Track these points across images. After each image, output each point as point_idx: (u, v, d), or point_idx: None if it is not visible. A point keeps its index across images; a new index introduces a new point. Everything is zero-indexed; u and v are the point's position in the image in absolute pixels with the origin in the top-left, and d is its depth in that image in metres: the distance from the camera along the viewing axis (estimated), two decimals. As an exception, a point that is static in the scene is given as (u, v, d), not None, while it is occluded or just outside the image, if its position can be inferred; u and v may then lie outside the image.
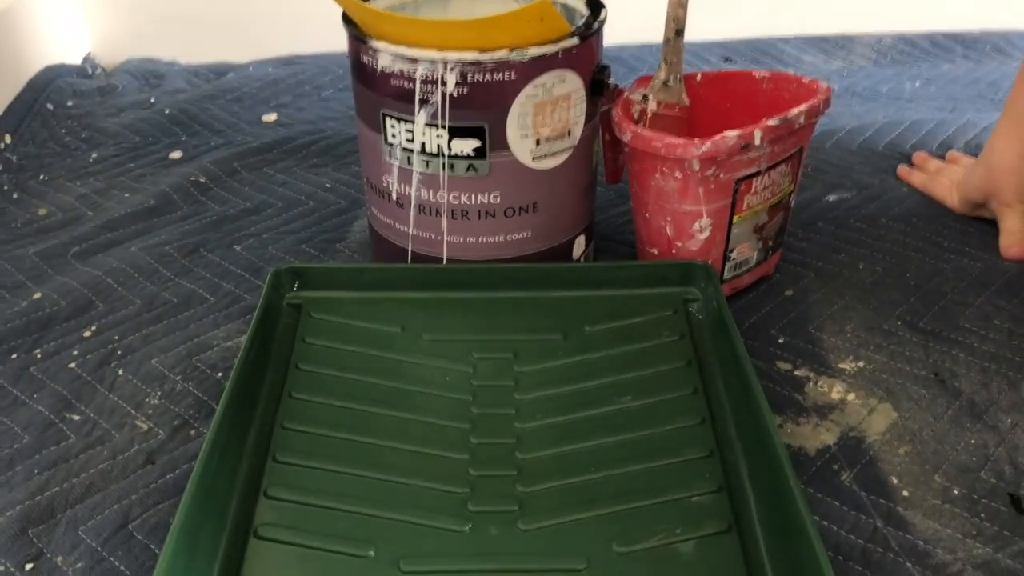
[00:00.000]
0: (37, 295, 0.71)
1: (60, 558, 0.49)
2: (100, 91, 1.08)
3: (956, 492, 0.53)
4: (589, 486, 0.50)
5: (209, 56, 1.19)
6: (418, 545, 0.47)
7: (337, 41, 0.64)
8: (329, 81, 1.12)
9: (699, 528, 0.47)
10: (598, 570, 0.46)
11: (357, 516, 0.48)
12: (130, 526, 0.51)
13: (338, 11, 0.62)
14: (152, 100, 1.06)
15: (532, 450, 0.53)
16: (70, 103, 1.04)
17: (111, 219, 0.81)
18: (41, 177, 0.90)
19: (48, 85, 1.07)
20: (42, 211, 0.84)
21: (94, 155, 0.94)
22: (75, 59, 1.16)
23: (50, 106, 1.03)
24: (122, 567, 0.49)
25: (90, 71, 1.15)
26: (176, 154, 0.94)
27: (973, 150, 0.89)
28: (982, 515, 0.51)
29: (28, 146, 0.96)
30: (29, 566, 0.49)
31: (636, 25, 1.05)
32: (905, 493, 0.53)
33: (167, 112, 1.02)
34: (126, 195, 0.86)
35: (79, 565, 0.49)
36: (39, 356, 0.65)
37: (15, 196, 0.87)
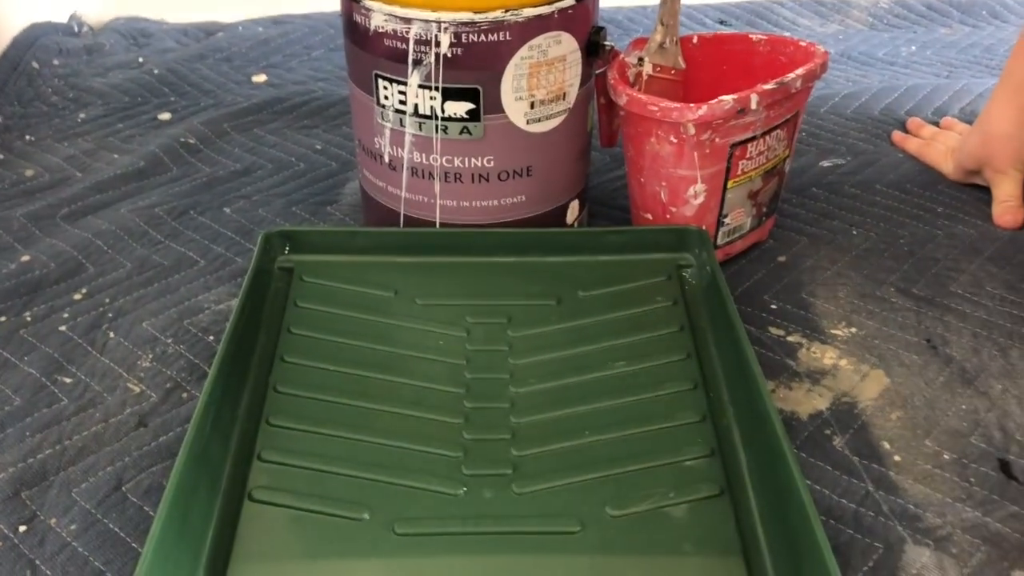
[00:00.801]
0: (26, 257, 0.70)
1: (54, 520, 0.49)
2: (87, 50, 1.07)
3: (947, 457, 0.53)
4: (583, 450, 0.50)
5: (198, 15, 1.17)
6: (413, 508, 0.47)
7: (327, 0, 0.63)
8: (319, 41, 1.10)
9: (692, 492, 0.48)
10: (592, 533, 0.46)
11: (351, 479, 0.48)
12: (123, 488, 0.51)
13: (330, -31, 0.61)
14: (140, 60, 1.05)
15: (526, 414, 0.53)
16: (56, 62, 1.03)
17: (100, 180, 0.81)
18: (27, 137, 0.89)
19: (33, 43, 1.05)
20: (29, 172, 0.83)
21: (82, 115, 0.93)
22: (60, 17, 1.13)
23: (36, 65, 1.01)
24: (116, 529, 0.49)
25: (76, 29, 1.13)
26: (165, 115, 0.93)
27: (968, 116, 0.88)
28: (972, 479, 0.52)
29: (14, 106, 0.94)
30: (23, 528, 0.49)
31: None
32: (896, 458, 0.53)
33: (156, 72, 1.01)
34: (115, 156, 0.85)
35: (73, 527, 0.49)
36: (29, 319, 0.64)
37: (1, 157, 0.85)
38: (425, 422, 0.52)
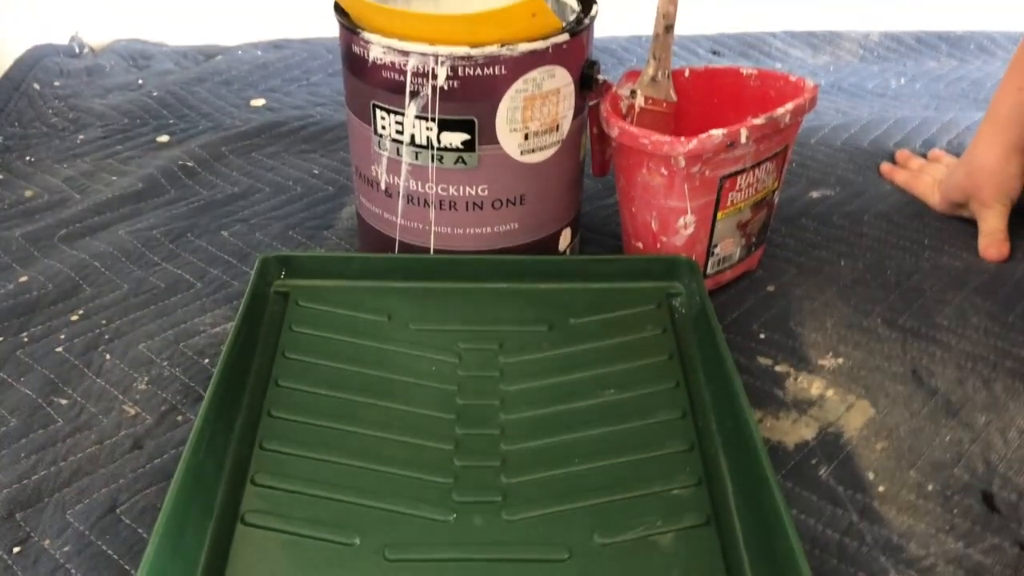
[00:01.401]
0: (24, 278, 0.71)
1: (48, 541, 0.50)
2: (87, 71, 1.08)
3: (930, 488, 0.54)
4: (572, 477, 0.51)
5: (198, 38, 1.19)
6: (403, 534, 0.48)
7: (327, 26, 0.64)
8: (318, 66, 1.12)
9: (679, 521, 0.48)
10: (580, 561, 0.46)
11: (343, 504, 0.49)
12: (118, 510, 0.52)
13: None
14: (140, 82, 1.06)
15: (516, 441, 0.53)
16: (57, 83, 1.04)
17: (98, 202, 0.81)
18: (28, 158, 0.90)
19: (35, 65, 1.06)
20: (28, 193, 0.84)
21: (81, 137, 0.94)
22: (62, 39, 1.15)
23: (37, 86, 1.02)
24: (110, 551, 0.49)
25: (77, 51, 1.14)
26: (164, 137, 0.94)
27: (956, 148, 0.90)
28: (955, 511, 0.53)
29: (14, 126, 0.95)
30: (16, 549, 0.49)
31: (627, 16, 1.05)
32: (881, 488, 0.54)
33: (155, 94, 1.02)
34: (113, 178, 0.86)
35: (67, 548, 0.49)
36: (26, 339, 0.65)
37: (1, 177, 0.86)
38: (417, 448, 0.53)
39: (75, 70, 1.08)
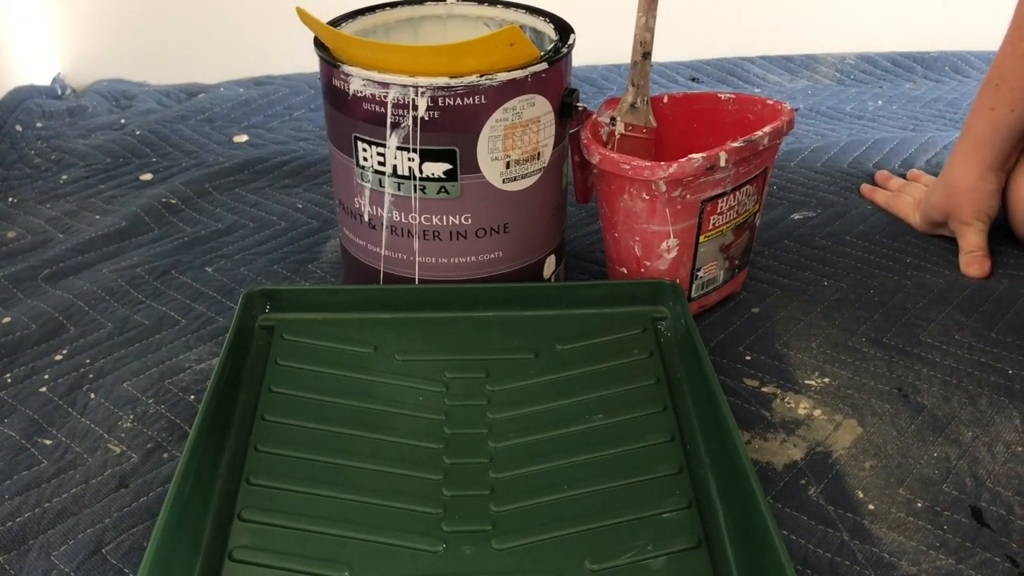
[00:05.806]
0: (7, 319, 0.71)
1: (32, 584, 0.49)
2: (70, 112, 1.08)
3: (920, 505, 0.54)
4: (562, 504, 0.51)
5: (179, 76, 1.19)
6: (393, 566, 0.47)
7: (308, 61, 0.64)
8: (300, 101, 1.12)
9: (670, 544, 0.48)
10: (571, 587, 0.46)
11: (331, 538, 0.49)
12: (104, 550, 0.51)
13: (309, 32, 0.62)
14: (122, 121, 1.06)
15: (505, 469, 0.53)
16: (39, 124, 1.04)
17: (82, 241, 0.81)
18: (10, 199, 0.90)
19: (17, 107, 1.06)
20: (11, 234, 0.83)
21: (64, 177, 0.94)
22: (44, 80, 1.15)
23: (19, 128, 1.02)
24: (95, 592, 0.49)
25: (60, 92, 1.14)
26: (147, 175, 0.94)
27: (934, 168, 0.91)
28: (945, 527, 0.53)
29: (-3, 168, 0.95)
30: (1, 593, 0.49)
31: (605, 45, 1.06)
32: (871, 506, 0.54)
33: (138, 133, 1.02)
34: (97, 217, 0.86)
35: (52, 591, 0.49)
36: (9, 380, 0.64)
37: (-16, 219, 0.86)
38: (405, 479, 0.52)
39: (57, 111, 1.08)
